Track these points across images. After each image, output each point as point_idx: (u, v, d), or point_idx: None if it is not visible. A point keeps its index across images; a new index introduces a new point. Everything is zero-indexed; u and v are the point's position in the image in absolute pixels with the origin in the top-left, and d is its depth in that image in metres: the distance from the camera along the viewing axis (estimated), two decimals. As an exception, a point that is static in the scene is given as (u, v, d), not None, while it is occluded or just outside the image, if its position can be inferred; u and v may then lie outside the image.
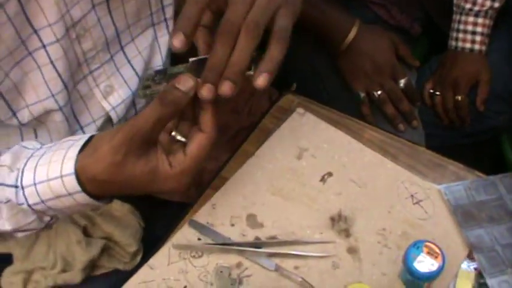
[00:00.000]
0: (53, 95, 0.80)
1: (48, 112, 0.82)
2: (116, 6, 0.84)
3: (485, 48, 1.28)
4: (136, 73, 0.92)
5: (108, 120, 0.91)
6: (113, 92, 0.90)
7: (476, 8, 1.26)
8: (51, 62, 0.78)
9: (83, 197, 0.68)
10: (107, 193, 0.69)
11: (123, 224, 0.95)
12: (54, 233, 0.93)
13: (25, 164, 0.70)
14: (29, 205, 0.69)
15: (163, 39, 0.95)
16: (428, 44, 1.50)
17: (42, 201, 0.69)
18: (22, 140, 0.84)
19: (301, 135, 0.84)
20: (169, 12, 0.93)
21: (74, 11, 0.78)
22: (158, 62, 0.96)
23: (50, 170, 0.68)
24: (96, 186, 0.67)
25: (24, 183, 0.69)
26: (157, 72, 0.68)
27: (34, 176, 0.68)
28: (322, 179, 0.82)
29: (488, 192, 0.85)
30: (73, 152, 0.67)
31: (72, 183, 0.66)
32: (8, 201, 0.71)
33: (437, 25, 1.39)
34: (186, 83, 0.62)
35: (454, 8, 1.29)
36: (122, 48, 0.90)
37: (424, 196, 0.83)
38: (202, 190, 0.89)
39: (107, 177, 0.64)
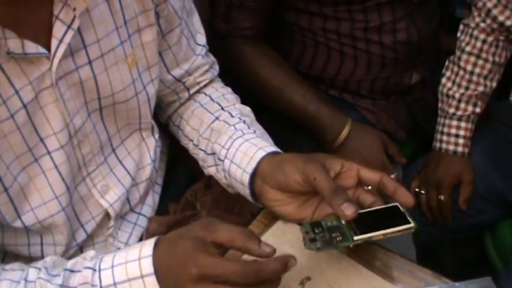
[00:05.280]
0: (56, 197, 0.85)
1: (52, 215, 0.86)
2: (107, 114, 0.91)
3: (468, 150, 1.32)
4: (128, 172, 0.97)
5: (106, 215, 0.95)
6: (109, 191, 0.94)
7: (459, 113, 1.31)
8: (56, 167, 0.84)
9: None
10: None
11: None
12: None
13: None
14: None
15: (150, 140, 1.01)
16: (414, 145, 1.54)
17: None
18: (28, 240, 0.88)
19: (285, 241, 0.89)
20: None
21: (76, 120, 0.84)
22: (147, 161, 1.01)
23: None
24: None
25: None
26: (313, 225, 0.78)
27: None
28: (301, 283, 0.87)
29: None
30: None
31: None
32: None
33: (424, 128, 1.45)
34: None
35: (439, 112, 1.35)
36: (113, 150, 0.95)
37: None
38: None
39: None
